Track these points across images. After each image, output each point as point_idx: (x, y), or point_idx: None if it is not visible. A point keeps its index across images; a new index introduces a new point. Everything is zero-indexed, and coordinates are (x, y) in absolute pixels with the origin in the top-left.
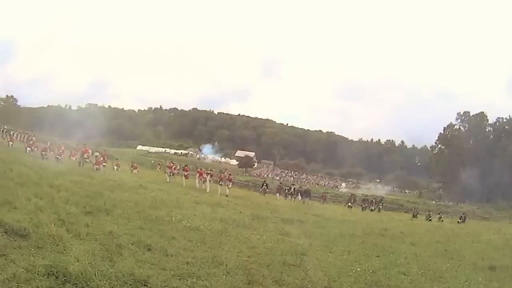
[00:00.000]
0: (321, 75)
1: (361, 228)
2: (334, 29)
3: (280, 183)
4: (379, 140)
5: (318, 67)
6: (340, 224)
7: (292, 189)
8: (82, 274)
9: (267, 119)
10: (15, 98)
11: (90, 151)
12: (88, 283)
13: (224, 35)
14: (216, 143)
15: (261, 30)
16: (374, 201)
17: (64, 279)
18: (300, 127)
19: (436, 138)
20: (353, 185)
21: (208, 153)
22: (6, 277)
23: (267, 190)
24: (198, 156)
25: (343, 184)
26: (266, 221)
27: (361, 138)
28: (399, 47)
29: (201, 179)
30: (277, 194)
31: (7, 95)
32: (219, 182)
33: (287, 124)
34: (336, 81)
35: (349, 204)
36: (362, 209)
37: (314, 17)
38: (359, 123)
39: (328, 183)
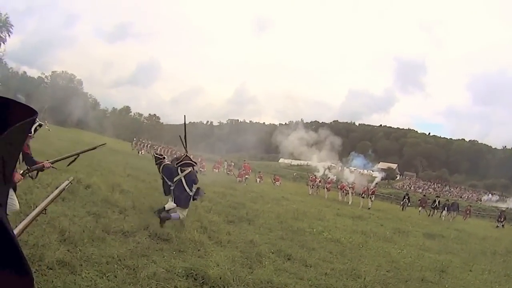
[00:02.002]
0: (461, 80)
1: (504, 245)
2: (472, 31)
3: (424, 195)
4: None
5: (458, 72)
6: (482, 240)
7: (437, 202)
8: (220, 278)
9: (409, 129)
10: (158, 116)
11: (232, 163)
12: (226, 287)
13: (362, 44)
14: (370, 151)
15: (398, 37)
16: None
17: (203, 282)
18: (442, 136)
19: None
20: (497, 199)
21: (359, 165)
22: (147, 275)
23: (408, 204)
24: (339, 168)
25: (486, 197)
26: (407, 235)
27: (505, 146)
28: None
29: (343, 191)
30: (420, 208)
31: (149, 114)
32: (361, 195)
33: (429, 133)
34: (476, 86)
35: (500, 222)
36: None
37: (451, 18)
38: (503, 130)
39: (472, 195)
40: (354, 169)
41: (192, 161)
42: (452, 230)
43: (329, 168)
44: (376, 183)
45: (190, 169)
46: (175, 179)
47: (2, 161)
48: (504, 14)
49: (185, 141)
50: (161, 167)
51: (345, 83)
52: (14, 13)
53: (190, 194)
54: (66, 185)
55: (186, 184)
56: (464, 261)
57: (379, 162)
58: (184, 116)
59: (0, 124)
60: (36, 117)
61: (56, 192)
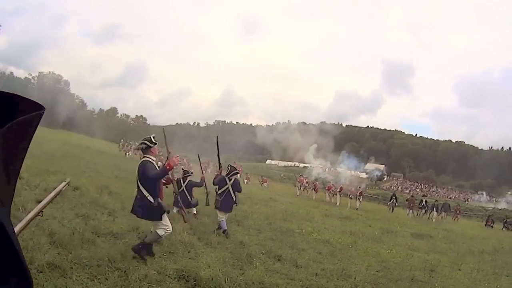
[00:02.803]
0: (447, 82)
1: (491, 244)
2: (458, 34)
3: (412, 196)
4: (510, 148)
5: (444, 74)
6: (470, 240)
7: (424, 202)
8: (212, 279)
9: (396, 130)
10: (145, 118)
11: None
12: None
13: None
14: (361, 152)
15: (385, 39)
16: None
17: (194, 283)
18: (429, 137)
19: None
20: (488, 199)
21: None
22: (138, 277)
23: (396, 204)
24: (326, 169)
25: (476, 196)
26: (395, 235)
27: (491, 147)
28: None
29: (330, 192)
30: (408, 210)
31: (136, 115)
32: (349, 195)
33: (416, 134)
34: (463, 87)
35: (488, 225)
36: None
37: (438, 21)
38: (488, 131)
39: (459, 195)
40: (342, 170)
41: (237, 169)
42: (440, 230)
43: (317, 169)
44: (366, 185)
45: (235, 178)
46: (224, 188)
47: (3, 157)
48: (490, 16)
49: (219, 159)
50: (215, 179)
51: (332, 85)
52: (1, 13)
53: (235, 200)
54: (63, 187)
55: (233, 192)
56: (453, 261)
57: (366, 163)
58: (217, 137)
59: (7, 120)
60: (43, 112)
61: (53, 194)
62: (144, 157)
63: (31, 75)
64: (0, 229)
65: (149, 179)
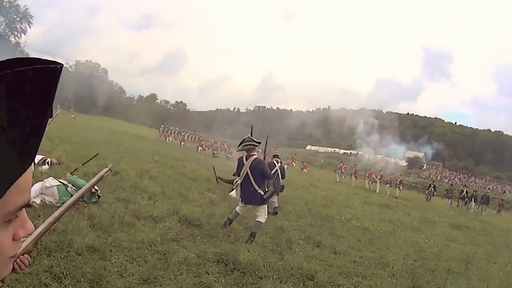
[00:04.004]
0: (487, 71)
1: None
2: (498, 23)
3: (451, 185)
4: None
5: (484, 63)
6: (506, 233)
7: (465, 192)
8: (251, 263)
9: (436, 118)
10: (184, 103)
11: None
12: (257, 272)
13: (390, 33)
14: (398, 139)
15: (425, 26)
16: None
17: (233, 267)
18: (468, 126)
19: None
20: None
21: (388, 153)
22: (178, 260)
23: (434, 193)
24: (367, 155)
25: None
26: (434, 225)
27: None
28: None
29: (370, 179)
30: (446, 200)
31: (176, 101)
32: (388, 183)
33: (455, 123)
34: (503, 77)
35: None
36: None
37: (478, 8)
38: None
39: (496, 187)
40: (382, 157)
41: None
42: (477, 221)
43: (356, 155)
44: (407, 173)
45: (280, 162)
46: (273, 171)
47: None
48: None
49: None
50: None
51: (372, 71)
52: (36, 4)
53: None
54: (106, 172)
55: (280, 175)
56: (489, 253)
57: (406, 151)
58: (267, 136)
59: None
60: (61, 68)
61: (95, 179)
62: (253, 155)
63: (68, 64)
64: None
65: (268, 177)
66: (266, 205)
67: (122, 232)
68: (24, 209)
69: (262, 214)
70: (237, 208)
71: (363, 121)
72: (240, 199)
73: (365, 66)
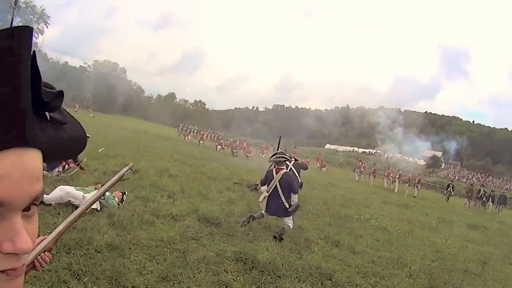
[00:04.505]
0: (505, 69)
1: None
2: None
3: (471, 185)
4: None
5: (501, 61)
6: None
7: (482, 192)
8: (270, 262)
9: (454, 117)
10: (203, 102)
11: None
12: (275, 271)
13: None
14: (417, 138)
15: (442, 24)
16: None
17: (252, 266)
18: (486, 124)
19: None
20: None
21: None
22: (197, 258)
23: (452, 193)
24: (386, 155)
25: None
26: (451, 225)
27: None
28: None
29: (389, 179)
30: (466, 200)
31: (195, 100)
32: (407, 182)
33: (473, 121)
34: None
35: None
36: None
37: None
38: None
39: None
40: (400, 156)
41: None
42: (494, 222)
43: (374, 154)
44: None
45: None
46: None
47: None
48: None
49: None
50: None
51: (390, 70)
52: (53, 5)
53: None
54: (126, 171)
55: (297, 171)
56: (505, 254)
57: (424, 150)
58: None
59: None
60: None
61: (116, 177)
62: (282, 168)
63: (86, 63)
64: None
65: (294, 191)
66: (291, 216)
67: (141, 230)
68: (19, 218)
69: (288, 222)
70: (264, 212)
71: (386, 116)
72: (265, 211)
73: (383, 65)
